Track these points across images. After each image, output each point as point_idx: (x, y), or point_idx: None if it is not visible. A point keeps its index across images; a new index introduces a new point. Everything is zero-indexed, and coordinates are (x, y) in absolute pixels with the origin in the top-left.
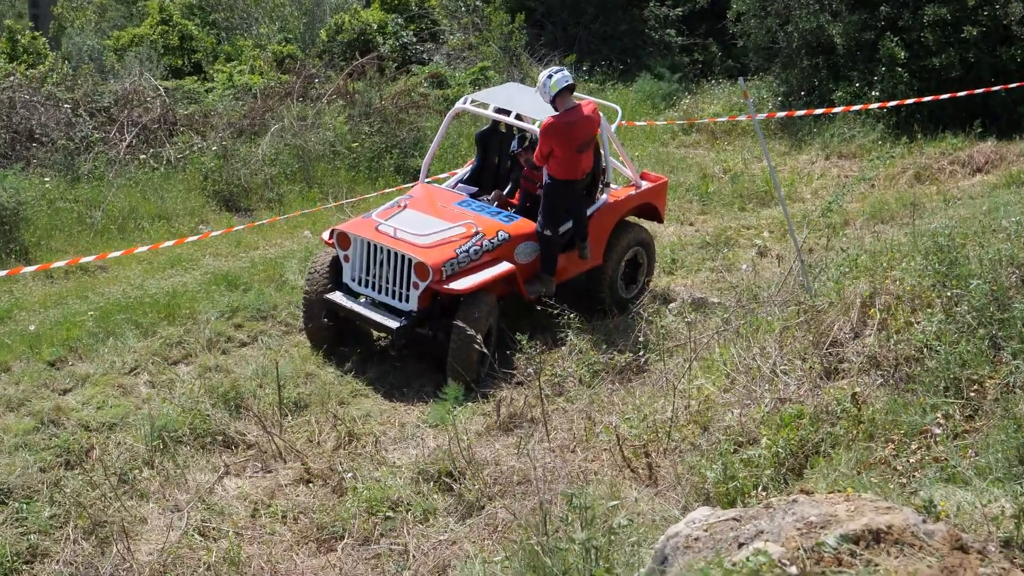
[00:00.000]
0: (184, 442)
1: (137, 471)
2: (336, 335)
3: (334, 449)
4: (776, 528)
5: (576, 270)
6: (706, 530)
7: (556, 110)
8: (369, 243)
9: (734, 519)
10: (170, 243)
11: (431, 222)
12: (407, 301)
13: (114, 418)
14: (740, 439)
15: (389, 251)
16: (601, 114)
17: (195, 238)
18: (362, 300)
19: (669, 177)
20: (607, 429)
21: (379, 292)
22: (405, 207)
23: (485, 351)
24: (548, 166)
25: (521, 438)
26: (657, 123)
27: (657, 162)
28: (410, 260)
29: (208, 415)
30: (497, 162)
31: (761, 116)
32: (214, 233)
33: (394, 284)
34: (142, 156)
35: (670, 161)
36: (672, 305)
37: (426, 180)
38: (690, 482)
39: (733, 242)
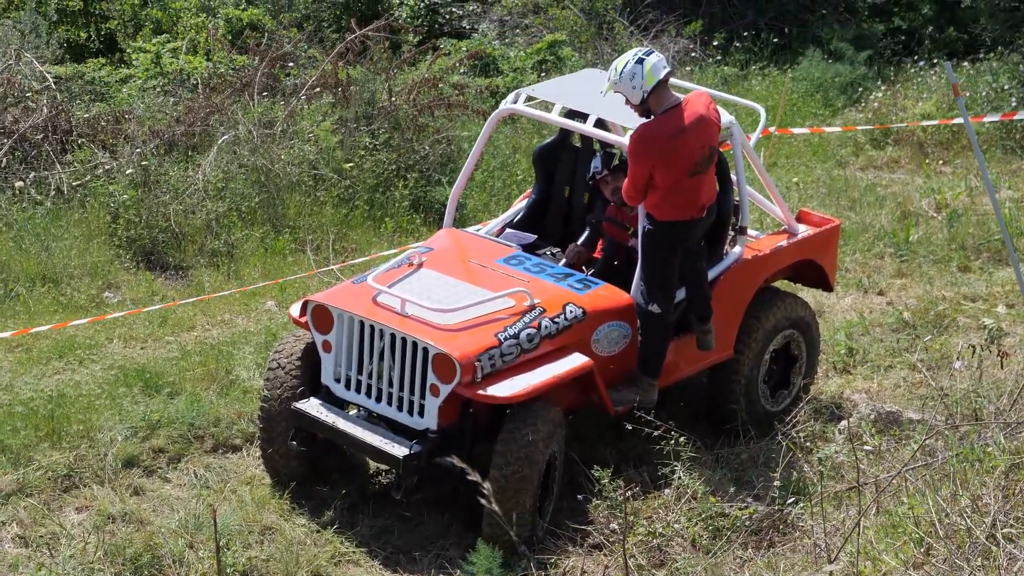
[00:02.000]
0: None
1: None
2: (311, 466)
3: None
4: None
5: (692, 368)
6: None
7: (649, 114)
8: (363, 323)
9: None
10: (45, 328)
11: (460, 289)
12: (422, 415)
13: None
14: None
15: (394, 336)
16: (730, 119)
17: (84, 321)
18: (352, 413)
19: (848, 218)
20: None
21: (378, 400)
22: (420, 266)
23: (543, 496)
24: (647, 202)
25: None
26: (829, 130)
27: (830, 193)
28: (426, 351)
29: None
30: (568, 195)
31: (992, 119)
32: (118, 309)
33: (401, 388)
34: (18, 184)
35: (850, 191)
36: (843, 424)
37: (454, 224)
38: None
39: (948, 323)
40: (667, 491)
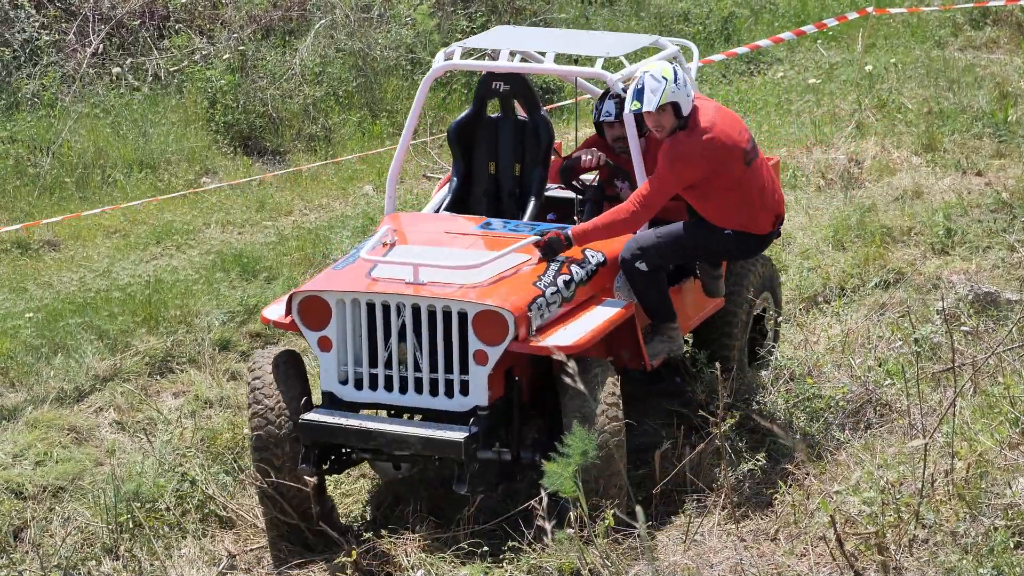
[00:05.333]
0: (167, 518)
1: (93, 563)
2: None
3: None
4: None
5: (699, 316)
6: None
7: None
8: (372, 303)
9: None
10: (137, 203)
11: (466, 253)
12: (465, 393)
13: (60, 479)
14: None
15: (417, 308)
16: (676, 49)
17: (179, 195)
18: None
19: (946, 98)
20: (824, 504)
21: (403, 391)
22: (393, 245)
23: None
24: (699, 206)
25: (690, 517)
26: (927, 10)
27: (928, 74)
28: (464, 314)
29: (205, 476)
30: (494, 171)
31: None
32: (217, 187)
33: (434, 369)
34: (115, 70)
35: (949, 71)
36: (941, 305)
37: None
38: None
39: None
40: (764, 373)
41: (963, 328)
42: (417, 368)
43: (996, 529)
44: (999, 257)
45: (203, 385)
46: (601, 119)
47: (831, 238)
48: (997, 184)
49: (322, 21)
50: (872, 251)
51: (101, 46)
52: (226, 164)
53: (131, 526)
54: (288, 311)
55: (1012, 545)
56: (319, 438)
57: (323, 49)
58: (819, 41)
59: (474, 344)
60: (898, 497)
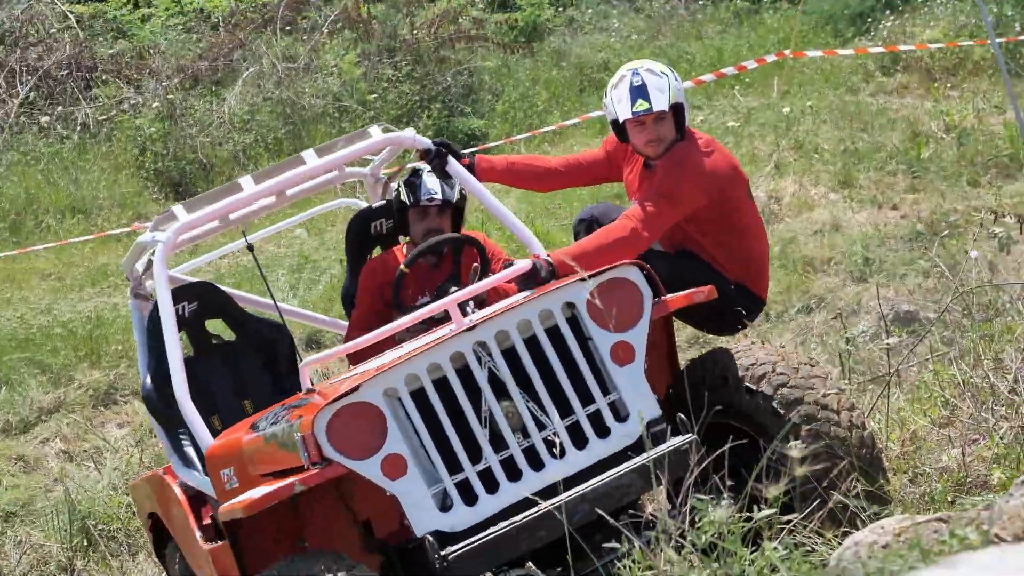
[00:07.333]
0: (120, 539)
1: None
2: None
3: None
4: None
5: None
6: (898, 534)
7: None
8: (440, 371)
9: (939, 520)
10: (75, 239)
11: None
12: (622, 417)
13: (12, 504)
14: (961, 485)
15: (506, 336)
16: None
17: (109, 232)
18: (454, 552)
19: (861, 139)
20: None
21: (538, 465)
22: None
23: None
24: (701, 244)
25: None
26: (842, 52)
27: (842, 117)
28: (571, 309)
29: None
30: (219, 425)
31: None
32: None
33: (565, 409)
34: (44, 119)
35: (863, 115)
36: (863, 324)
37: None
38: None
39: (960, 232)
40: None
41: (887, 343)
42: (539, 425)
43: (934, 490)
44: (915, 283)
45: (147, 415)
46: (424, 199)
47: None
48: (912, 216)
49: (249, 70)
50: (794, 279)
51: (30, 95)
52: (158, 209)
53: (85, 545)
54: (310, 448)
55: (950, 499)
56: (489, 564)
57: (251, 98)
58: (736, 88)
59: (604, 340)
60: None
